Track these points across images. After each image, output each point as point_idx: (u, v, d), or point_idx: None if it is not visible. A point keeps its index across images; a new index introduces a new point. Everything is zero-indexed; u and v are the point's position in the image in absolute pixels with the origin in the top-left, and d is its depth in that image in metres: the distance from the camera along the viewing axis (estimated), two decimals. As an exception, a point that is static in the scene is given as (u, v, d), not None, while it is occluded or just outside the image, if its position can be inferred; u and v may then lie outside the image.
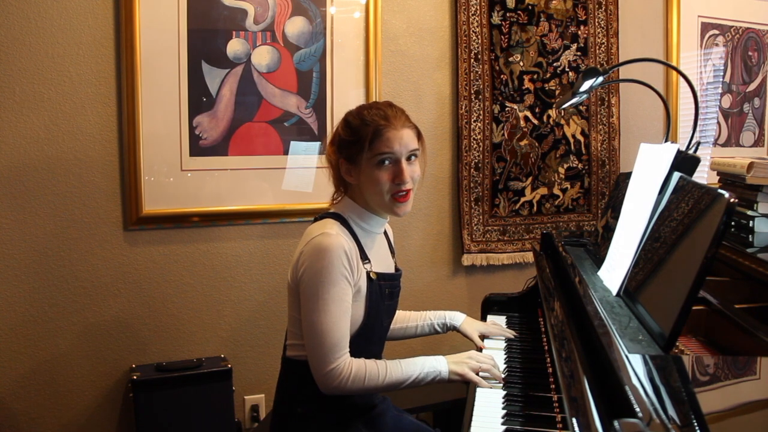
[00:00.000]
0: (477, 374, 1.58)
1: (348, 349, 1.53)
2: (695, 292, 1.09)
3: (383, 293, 1.63)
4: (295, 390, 1.62)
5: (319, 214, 1.65)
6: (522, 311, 2.14)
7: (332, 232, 1.52)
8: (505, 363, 1.73)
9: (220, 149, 2.44)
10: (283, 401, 1.65)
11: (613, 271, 1.53)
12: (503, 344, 1.86)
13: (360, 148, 1.55)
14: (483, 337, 1.87)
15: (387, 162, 1.56)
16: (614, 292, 1.46)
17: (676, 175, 1.43)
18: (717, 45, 3.23)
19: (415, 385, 1.57)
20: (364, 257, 1.59)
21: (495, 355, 1.74)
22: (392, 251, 1.79)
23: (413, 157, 1.60)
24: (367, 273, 1.59)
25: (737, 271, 1.59)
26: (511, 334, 1.91)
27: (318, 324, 1.49)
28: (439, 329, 1.89)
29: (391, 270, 1.73)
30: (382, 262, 1.68)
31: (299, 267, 1.54)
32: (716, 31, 3.23)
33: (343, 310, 1.51)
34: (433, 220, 2.79)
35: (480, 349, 1.81)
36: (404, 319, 1.90)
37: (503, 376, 1.61)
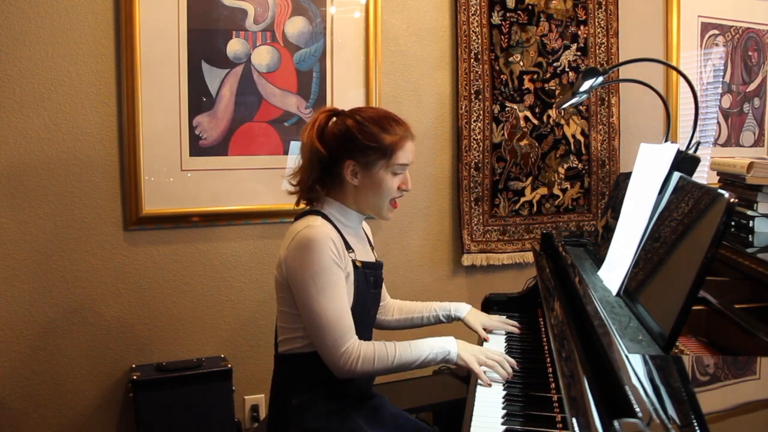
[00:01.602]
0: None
1: (354, 332, 1.56)
2: (695, 292, 1.09)
3: (368, 281, 1.66)
4: (288, 382, 1.63)
5: (299, 213, 1.67)
6: (522, 311, 2.14)
7: (316, 224, 1.56)
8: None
9: (220, 149, 2.44)
10: (278, 394, 1.67)
11: (613, 271, 1.53)
12: (503, 338, 1.87)
13: (380, 156, 1.60)
14: (486, 330, 1.90)
15: (400, 171, 1.63)
16: (614, 292, 1.46)
17: (676, 175, 1.43)
18: (717, 45, 3.23)
19: (424, 365, 1.60)
20: (348, 246, 1.62)
21: (494, 347, 1.76)
22: (371, 246, 1.82)
23: None
24: (353, 261, 1.61)
25: (737, 271, 1.59)
26: (514, 327, 1.93)
27: (321, 312, 1.51)
28: (444, 320, 1.93)
29: (373, 260, 1.75)
30: (364, 254, 1.71)
31: (288, 262, 1.56)
32: (716, 31, 3.23)
33: (341, 294, 1.54)
34: (433, 220, 2.79)
35: (483, 341, 1.85)
36: (410, 309, 1.93)
37: (508, 374, 1.60)
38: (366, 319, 1.68)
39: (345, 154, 1.61)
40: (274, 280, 1.64)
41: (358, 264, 1.62)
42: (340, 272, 1.55)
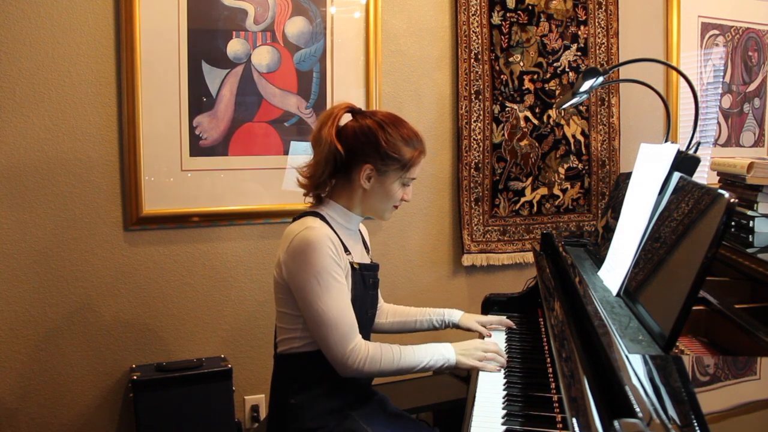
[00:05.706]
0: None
1: (358, 330, 1.57)
2: (695, 292, 1.09)
3: (366, 282, 1.67)
4: (287, 382, 1.64)
5: (297, 215, 1.67)
6: (522, 311, 2.14)
7: (315, 225, 1.56)
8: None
9: (220, 149, 2.44)
10: (277, 394, 1.68)
11: (613, 271, 1.53)
12: (503, 337, 1.89)
13: (399, 168, 1.62)
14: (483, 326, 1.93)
15: (409, 183, 1.68)
16: (614, 292, 1.46)
17: (676, 175, 1.43)
18: (717, 45, 3.23)
19: (425, 370, 1.62)
20: (346, 249, 1.63)
21: None
22: (367, 248, 1.83)
23: None
24: (351, 263, 1.63)
25: (737, 271, 1.59)
26: (510, 323, 1.95)
27: (326, 312, 1.52)
28: (437, 325, 1.93)
29: (368, 262, 1.77)
30: (360, 256, 1.72)
31: (288, 265, 1.56)
32: (716, 31, 3.23)
33: (344, 292, 1.56)
34: (433, 220, 2.79)
35: (483, 337, 1.86)
36: (404, 313, 1.94)
37: (506, 359, 1.66)
38: (365, 320, 1.70)
39: (364, 157, 1.60)
40: (273, 281, 1.65)
41: (356, 266, 1.64)
42: (341, 272, 1.56)
